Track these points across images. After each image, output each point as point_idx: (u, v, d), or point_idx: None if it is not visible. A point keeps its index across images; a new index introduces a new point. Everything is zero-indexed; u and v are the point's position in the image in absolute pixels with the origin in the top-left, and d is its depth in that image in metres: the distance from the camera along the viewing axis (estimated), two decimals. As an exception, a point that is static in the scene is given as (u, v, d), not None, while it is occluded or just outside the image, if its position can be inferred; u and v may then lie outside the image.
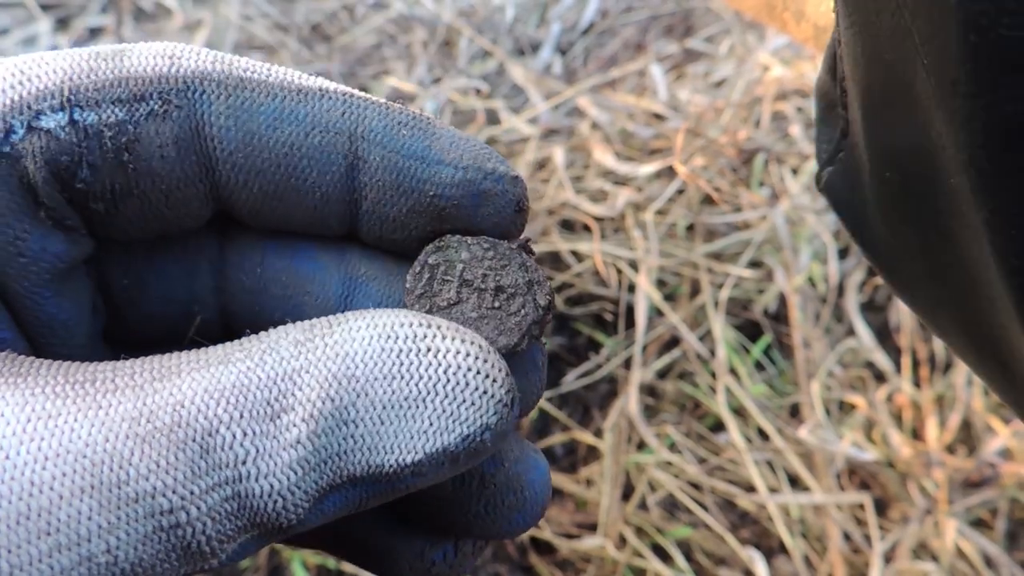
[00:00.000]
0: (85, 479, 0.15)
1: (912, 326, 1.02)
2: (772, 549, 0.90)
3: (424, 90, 1.27)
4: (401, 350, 0.17)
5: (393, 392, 0.16)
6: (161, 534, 0.15)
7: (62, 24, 1.48)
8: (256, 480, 0.16)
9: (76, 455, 0.15)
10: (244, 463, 0.16)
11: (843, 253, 1.11)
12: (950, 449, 0.94)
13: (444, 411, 0.16)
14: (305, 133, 0.19)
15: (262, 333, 0.18)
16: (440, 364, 0.17)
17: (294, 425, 0.16)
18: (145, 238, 0.20)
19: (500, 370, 0.17)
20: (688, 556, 0.88)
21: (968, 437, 0.97)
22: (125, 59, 0.18)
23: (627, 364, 0.99)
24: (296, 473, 0.16)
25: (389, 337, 0.17)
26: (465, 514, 0.20)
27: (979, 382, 0.96)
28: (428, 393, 0.16)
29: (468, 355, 0.17)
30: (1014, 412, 0.23)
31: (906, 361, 0.99)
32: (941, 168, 0.19)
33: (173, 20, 1.44)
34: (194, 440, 0.15)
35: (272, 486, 0.16)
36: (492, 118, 1.27)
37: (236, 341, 0.17)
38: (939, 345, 1.01)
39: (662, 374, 1.01)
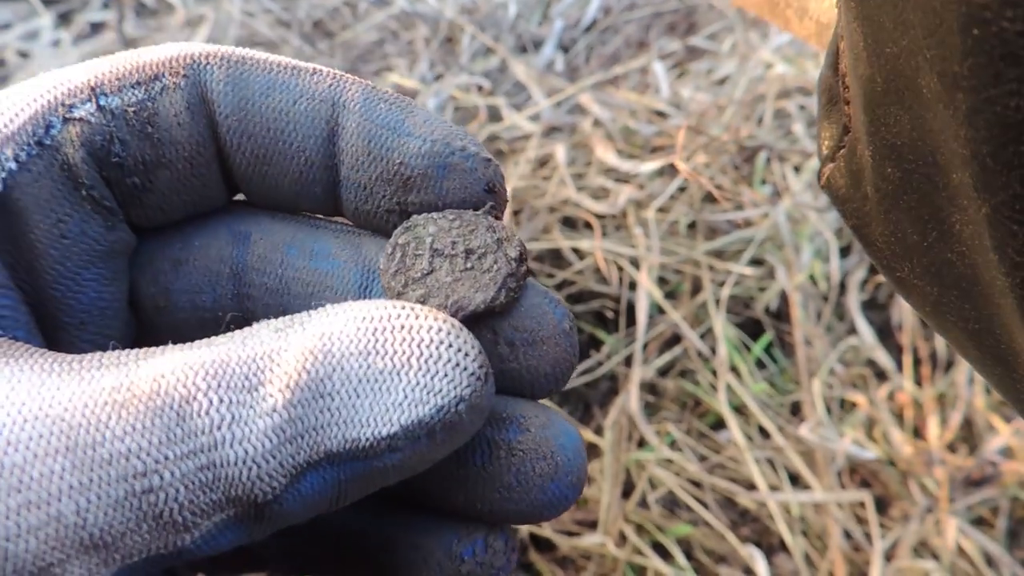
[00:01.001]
0: (61, 440, 0.15)
1: (914, 324, 1.02)
2: (772, 547, 0.90)
3: (426, 87, 1.27)
4: (376, 328, 0.17)
5: (368, 367, 0.17)
6: (133, 499, 0.15)
7: (64, 19, 1.48)
8: (230, 446, 0.16)
9: (55, 418, 0.16)
10: (219, 428, 0.16)
11: (845, 251, 1.10)
12: (951, 447, 0.94)
13: (418, 383, 0.17)
14: (293, 101, 0.20)
15: (246, 327, 0.18)
16: (414, 339, 0.17)
17: (271, 395, 0.16)
18: (179, 214, 0.22)
19: (473, 346, 0.18)
20: (688, 554, 0.88)
21: (969, 435, 0.96)
22: (140, 53, 0.21)
23: (628, 362, 0.99)
24: (271, 440, 0.16)
25: (365, 319, 0.17)
26: (498, 489, 0.20)
27: (980, 380, 0.96)
28: (402, 367, 0.17)
29: (440, 331, 0.18)
30: (1016, 410, 0.23)
31: (907, 359, 0.99)
32: (943, 164, 0.19)
33: (175, 15, 1.44)
34: (171, 407, 0.16)
35: (246, 452, 0.16)
36: (494, 115, 1.26)
37: (222, 334, 0.18)
38: (940, 343, 1.01)
39: (663, 372, 1.01)
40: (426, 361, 0.17)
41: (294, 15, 1.48)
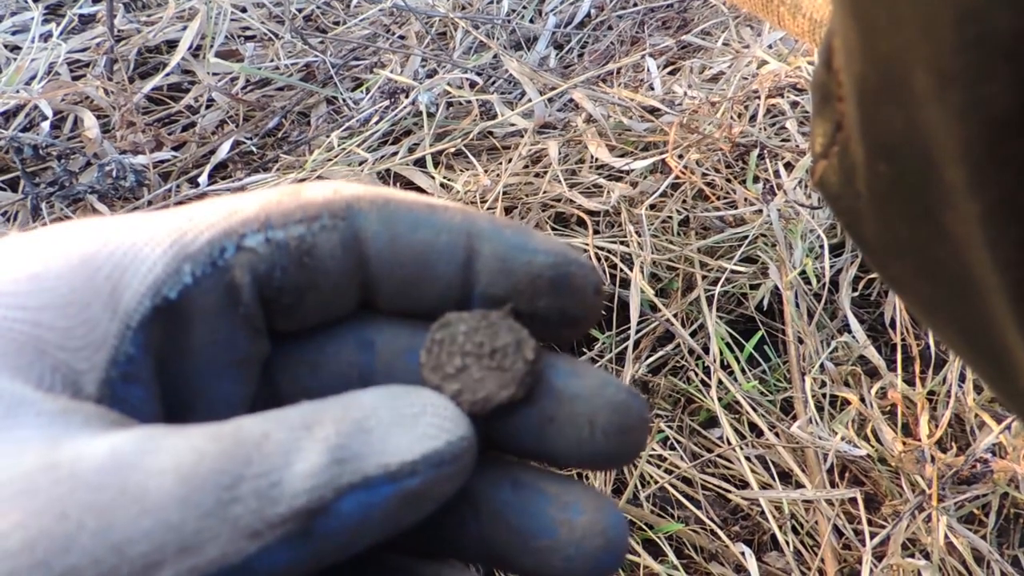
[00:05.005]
0: (169, 463, 0.19)
1: (905, 322, 1.02)
2: (763, 545, 0.90)
3: (419, 82, 1.27)
4: (397, 393, 0.23)
5: (397, 412, 0.22)
6: (220, 509, 0.19)
7: (53, 12, 1.47)
8: (293, 466, 0.20)
9: (167, 449, 0.20)
10: (286, 453, 0.20)
11: (836, 248, 1.11)
12: (942, 445, 0.94)
13: (433, 425, 0.22)
14: (436, 234, 0.25)
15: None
16: (428, 400, 0.23)
17: (324, 431, 0.21)
18: (315, 325, 0.26)
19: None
20: (679, 551, 0.88)
21: (960, 433, 0.97)
22: (302, 193, 0.25)
23: (620, 359, 0.99)
24: (324, 460, 0.20)
25: (393, 387, 0.23)
26: (562, 558, 0.25)
27: (971, 378, 0.96)
28: (421, 414, 0.22)
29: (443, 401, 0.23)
30: (1007, 407, 0.23)
31: (899, 357, 0.99)
32: (936, 161, 0.18)
33: (166, 9, 1.43)
34: (251, 440, 0.20)
35: (305, 469, 0.20)
36: (487, 111, 1.26)
37: None
38: (932, 341, 1.01)
39: (655, 369, 1.01)
40: (437, 413, 0.22)
41: (286, 9, 1.47)
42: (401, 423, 0.22)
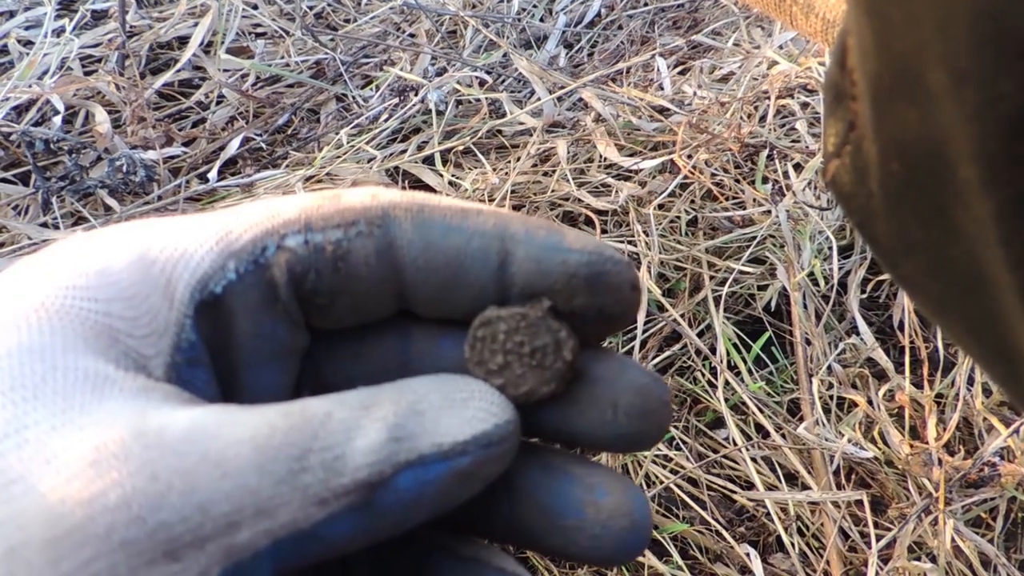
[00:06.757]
0: (246, 433, 0.21)
1: (914, 324, 1.02)
2: (769, 546, 0.90)
3: (428, 80, 1.27)
4: (447, 380, 0.24)
5: (448, 395, 0.23)
6: (291, 477, 0.21)
7: (66, 7, 1.47)
8: (355, 441, 0.22)
9: (242, 423, 0.21)
10: (349, 430, 0.22)
11: (845, 250, 1.10)
12: (949, 448, 0.94)
13: (482, 408, 0.23)
14: (468, 239, 0.25)
15: None
16: (476, 387, 0.24)
17: (381, 411, 0.22)
18: (351, 325, 0.27)
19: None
20: (684, 552, 0.88)
21: (968, 436, 0.97)
22: (342, 198, 0.26)
23: (627, 358, 0.99)
24: (382, 438, 0.22)
25: (443, 375, 0.24)
26: (588, 537, 0.26)
27: (979, 381, 0.96)
28: (471, 398, 0.24)
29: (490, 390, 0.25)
30: (1018, 407, 0.23)
31: (907, 360, 0.99)
32: (950, 160, 0.18)
33: (178, 5, 1.44)
34: (317, 418, 0.22)
35: (366, 445, 0.22)
36: (496, 110, 1.26)
37: None
38: (940, 344, 1.01)
39: (662, 369, 1.01)
40: (485, 398, 0.24)
41: (297, 7, 1.47)
42: (452, 407, 0.23)
